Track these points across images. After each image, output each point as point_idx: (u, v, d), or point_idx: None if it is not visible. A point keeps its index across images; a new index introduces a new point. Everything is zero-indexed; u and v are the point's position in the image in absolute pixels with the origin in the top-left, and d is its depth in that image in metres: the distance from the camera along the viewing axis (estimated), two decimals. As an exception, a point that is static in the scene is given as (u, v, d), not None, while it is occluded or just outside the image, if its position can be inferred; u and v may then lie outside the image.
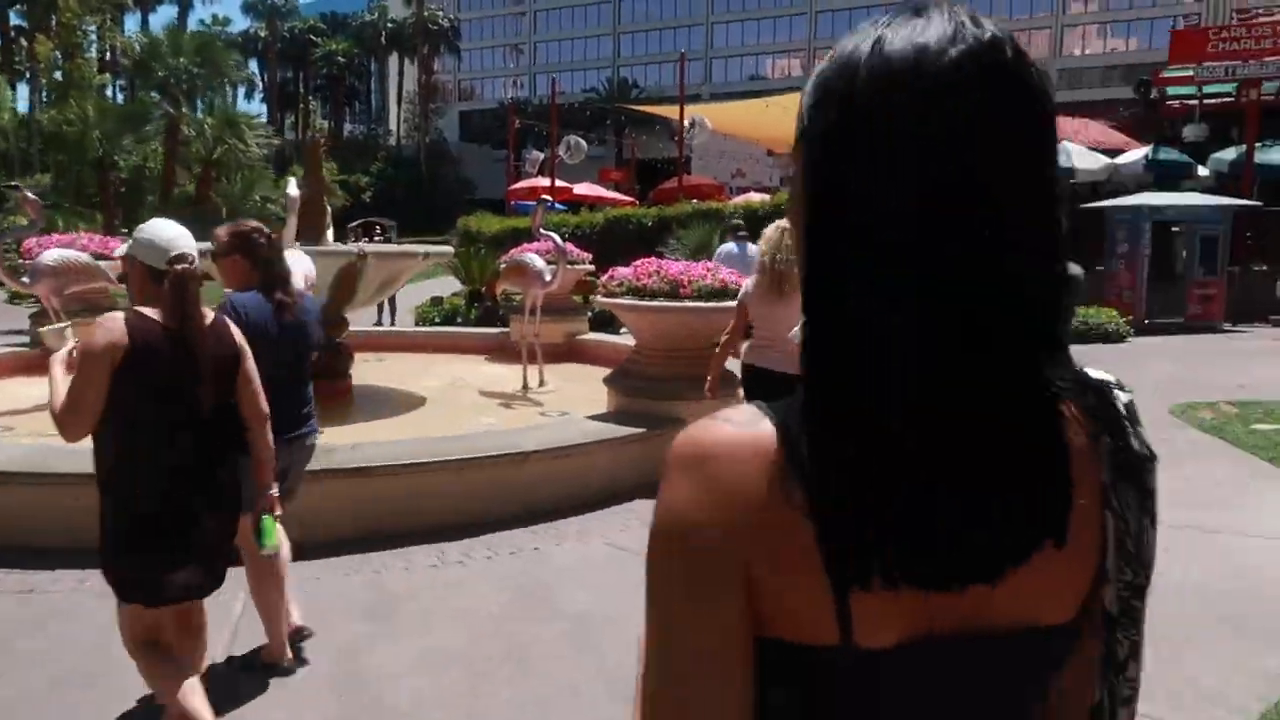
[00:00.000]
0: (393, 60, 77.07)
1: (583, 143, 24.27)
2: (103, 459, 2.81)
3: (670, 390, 6.35)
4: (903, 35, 0.73)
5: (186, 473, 2.81)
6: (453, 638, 4.05)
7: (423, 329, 13.60)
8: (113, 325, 2.71)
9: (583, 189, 25.46)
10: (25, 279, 7.69)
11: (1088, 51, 67.56)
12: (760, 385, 5.26)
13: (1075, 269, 5.30)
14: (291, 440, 3.60)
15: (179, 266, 2.75)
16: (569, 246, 9.76)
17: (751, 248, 12.89)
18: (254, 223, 3.75)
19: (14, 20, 46.51)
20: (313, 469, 5.13)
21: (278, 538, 3.28)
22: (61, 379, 2.78)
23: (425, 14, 70.35)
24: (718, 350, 5.40)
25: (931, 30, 0.73)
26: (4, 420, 7.24)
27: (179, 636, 2.99)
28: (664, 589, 0.77)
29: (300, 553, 4.81)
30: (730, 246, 11.78)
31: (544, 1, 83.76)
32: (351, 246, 8.21)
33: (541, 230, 9.12)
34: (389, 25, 73.51)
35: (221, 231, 3.70)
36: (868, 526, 0.71)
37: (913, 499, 0.71)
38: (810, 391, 0.75)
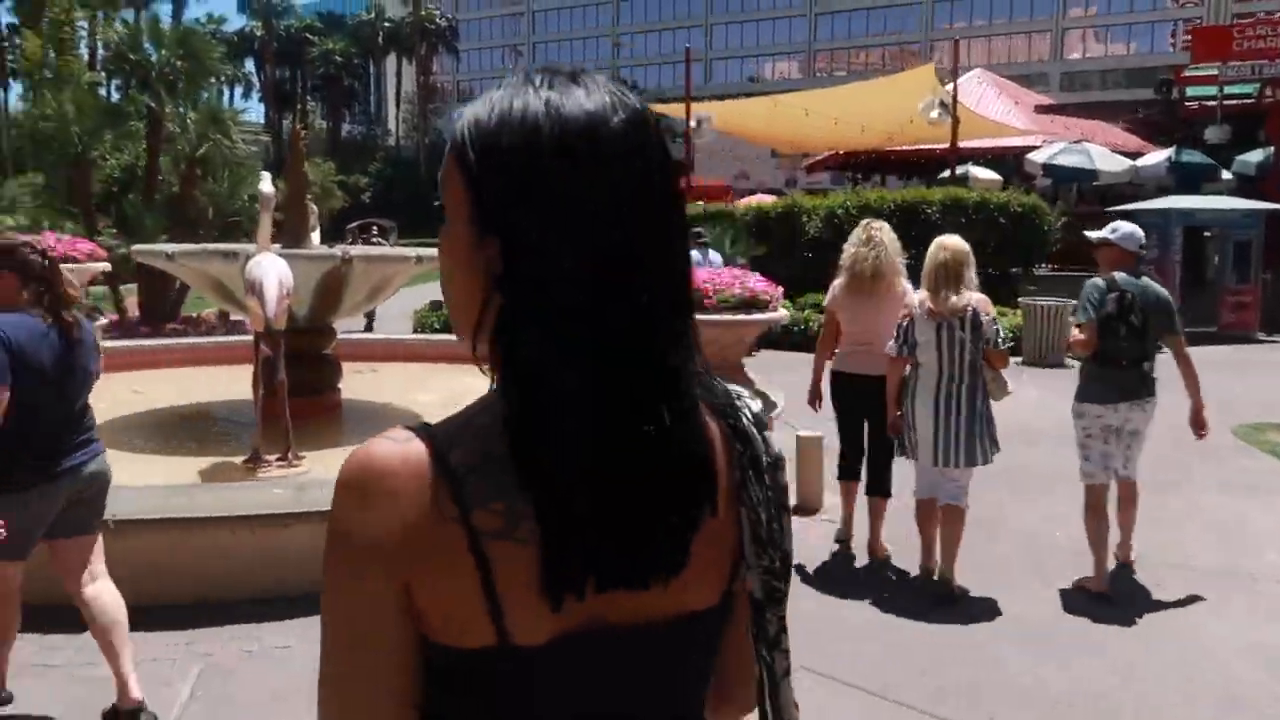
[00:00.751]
0: (390, 60, 76.30)
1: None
2: None
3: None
4: (573, 100, 0.80)
5: None
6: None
7: (421, 336, 12.82)
8: None
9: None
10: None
11: (1088, 55, 67.03)
12: (852, 392, 4.99)
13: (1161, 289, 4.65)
14: (74, 469, 3.29)
15: None
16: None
17: (713, 255, 12.34)
18: (25, 236, 3.44)
19: (5, 19, 45.82)
20: (286, 510, 4.42)
21: None
22: None
23: (422, 13, 69.64)
24: (815, 357, 5.21)
25: (594, 98, 0.81)
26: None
27: None
28: (331, 592, 0.82)
29: (268, 612, 4.10)
30: (693, 254, 11.31)
31: (542, 2, 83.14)
32: (336, 250, 7.46)
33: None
34: (386, 25, 72.77)
35: None
36: (565, 555, 0.78)
37: (587, 543, 0.79)
38: (514, 421, 0.79)
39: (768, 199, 19.37)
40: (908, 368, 4.59)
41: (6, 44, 44.22)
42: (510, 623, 0.79)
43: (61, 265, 7.68)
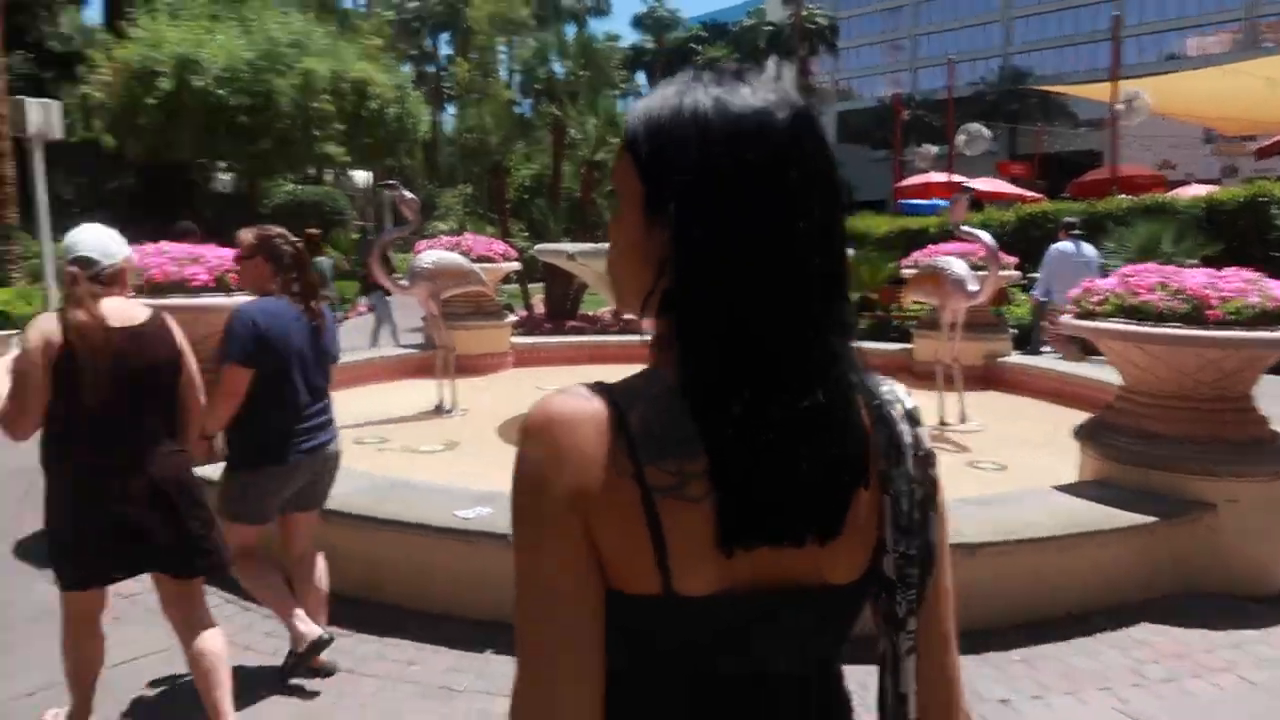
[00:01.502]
0: (770, 63, 77.24)
1: (984, 130, 21.33)
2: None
3: (1188, 458, 4.34)
4: (740, 97, 0.87)
5: (90, 468, 2.87)
6: None
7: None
8: (47, 324, 2.84)
9: (983, 184, 22.63)
10: (404, 282, 7.38)
11: None
12: None
13: None
14: (316, 449, 3.49)
15: (68, 268, 2.89)
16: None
17: (1088, 248, 10.44)
18: (278, 228, 3.60)
19: (444, 50, 52.53)
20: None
21: None
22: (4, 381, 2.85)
23: (803, 14, 69.57)
24: None
25: (760, 95, 0.88)
26: (383, 429, 6.96)
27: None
28: (523, 536, 0.88)
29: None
30: (1064, 245, 10.35)
31: (927, -8, 79.48)
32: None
33: (964, 229, 7.29)
34: (767, 28, 73.72)
35: (246, 234, 3.53)
36: (736, 511, 0.85)
37: (755, 501, 0.86)
38: (692, 393, 0.86)
39: (1209, 190, 16.32)
40: None
41: (444, 72, 50.67)
42: (675, 574, 0.85)
43: (477, 264, 8.07)
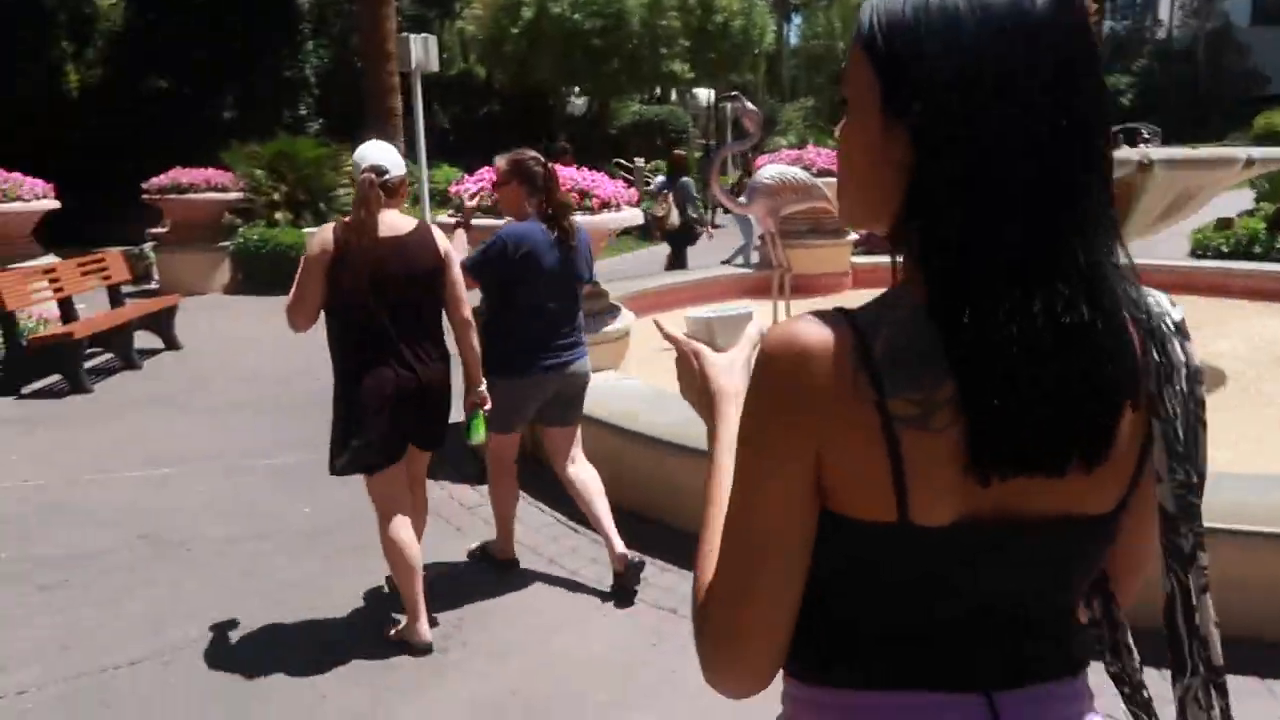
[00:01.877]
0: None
1: None
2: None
3: None
4: None
5: (359, 365, 3.14)
6: None
7: (1206, 264, 10.32)
8: (325, 233, 3.17)
9: None
10: (742, 199, 7.07)
11: None
12: None
13: None
14: (562, 365, 3.65)
15: (364, 174, 3.15)
16: None
17: None
18: (531, 151, 3.70)
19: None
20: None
21: (485, 432, 3.54)
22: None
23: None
24: None
25: None
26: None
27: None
28: (751, 463, 0.86)
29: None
30: None
31: None
32: (1133, 153, 5.88)
33: None
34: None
35: (500, 160, 3.70)
36: (993, 434, 0.79)
37: (1035, 416, 0.78)
38: (937, 309, 0.80)
39: None
40: None
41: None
42: (913, 503, 0.80)
43: (819, 179, 7.57)
